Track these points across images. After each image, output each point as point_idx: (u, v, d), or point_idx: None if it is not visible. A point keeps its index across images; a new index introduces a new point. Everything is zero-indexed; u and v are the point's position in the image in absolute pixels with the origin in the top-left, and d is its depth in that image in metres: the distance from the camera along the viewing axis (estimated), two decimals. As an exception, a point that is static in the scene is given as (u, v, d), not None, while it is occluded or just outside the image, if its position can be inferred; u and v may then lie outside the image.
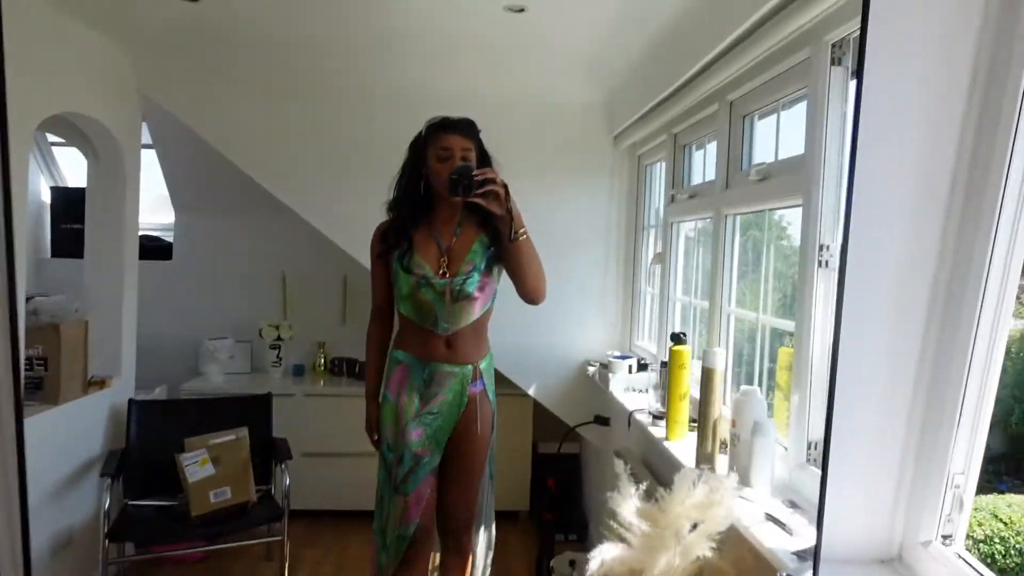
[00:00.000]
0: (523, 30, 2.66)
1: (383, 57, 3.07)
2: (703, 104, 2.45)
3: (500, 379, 3.57)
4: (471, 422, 2.18)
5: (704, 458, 1.84)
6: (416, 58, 3.05)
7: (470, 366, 2.16)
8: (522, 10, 2.47)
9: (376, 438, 2.26)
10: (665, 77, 2.55)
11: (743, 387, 1.77)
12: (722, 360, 1.84)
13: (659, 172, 3.27)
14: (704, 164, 2.64)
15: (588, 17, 2.53)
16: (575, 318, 3.45)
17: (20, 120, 2.42)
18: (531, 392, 3.50)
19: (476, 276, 2.10)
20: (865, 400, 1.32)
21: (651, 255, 3.33)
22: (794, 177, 1.79)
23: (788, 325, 1.91)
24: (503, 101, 3.30)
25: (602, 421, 3.31)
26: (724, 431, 1.85)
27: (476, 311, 2.14)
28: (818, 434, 1.66)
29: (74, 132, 3.11)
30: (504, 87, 3.29)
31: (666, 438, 2.18)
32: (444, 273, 2.10)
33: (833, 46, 1.65)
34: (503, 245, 2.09)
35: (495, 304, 2.23)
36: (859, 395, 1.31)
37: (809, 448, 1.67)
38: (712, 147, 2.56)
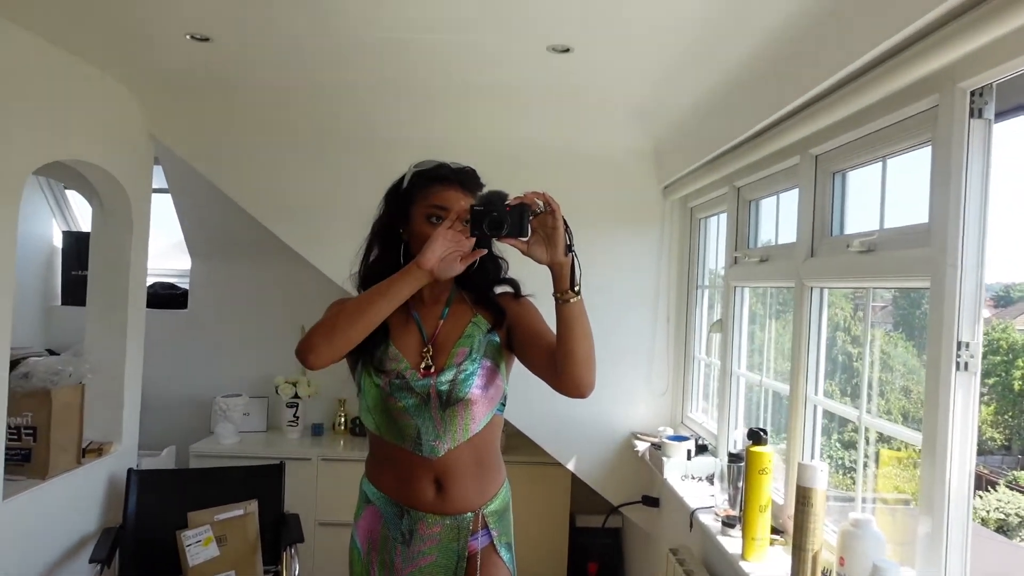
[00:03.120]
0: (567, 72, 2.41)
1: (410, 102, 2.88)
2: (776, 156, 2.14)
3: (535, 448, 3.30)
4: None
5: (804, 601, 1.48)
6: (441, 103, 2.86)
7: (468, 515, 1.52)
8: (567, 51, 2.21)
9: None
10: (730, 125, 2.25)
11: (853, 515, 1.42)
12: (823, 477, 1.49)
13: (715, 227, 2.95)
14: (777, 221, 2.32)
15: (643, 58, 2.26)
16: (620, 385, 3.11)
17: (10, 170, 2.19)
18: (570, 466, 3.16)
19: (473, 368, 1.49)
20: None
21: (705, 318, 3.00)
22: (916, 251, 1.46)
23: (905, 433, 1.56)
24: (540, 147, 3.05)
25: (651, 502, 2.96)
26: (824, 560, 1.50)
27: (476, 421, 1.50)
28: (959, 582, 1.31)
29: (77, 177, 2.90)
30: (542, 132, 3.05)
31: (742, 556, 1.82)
32: (428, 368, 1.50)
33: (972, 95, 1.34)
34: (520, 328, 1.51)
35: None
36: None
37: (948, 600, 1.31)
38: (786, 200, 2.25)
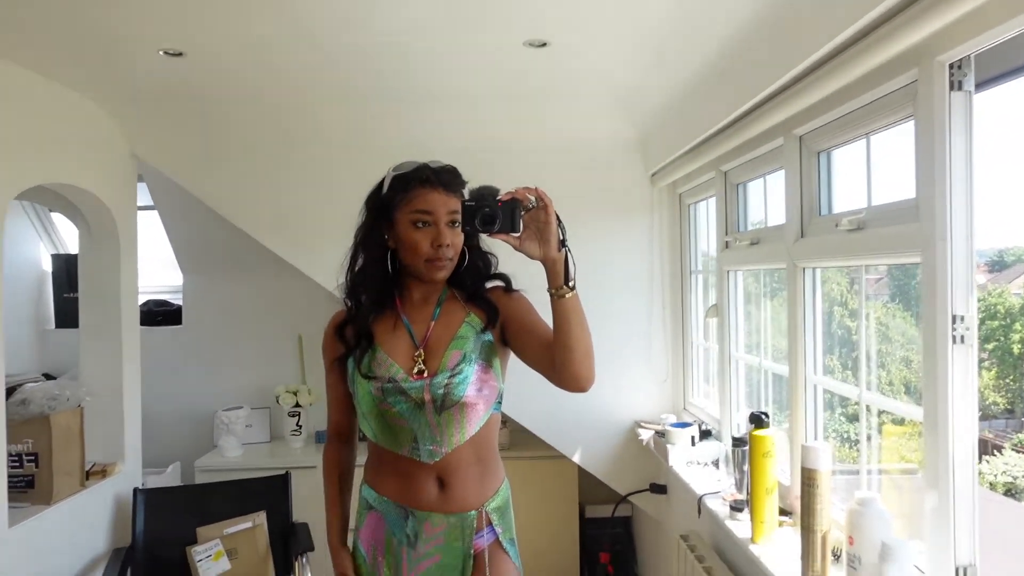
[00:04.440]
0: (546, 66, 2.40)
1: (389, 107, 2.88)
2: (761, 139, 2.14)
3: (540, 443, 3.30)
4: None
5: (813, 581, 1.49)
6: (425, 105, 2.86)
7: (472, 512, 1.51)
8: (544, 45, 2.21)
9: None
10: (714, 110, 2.24)
11: (859, 494, 1.42)
12: (827, 458, 1.49)
13: (705, 212, 2.95)
14: (765, 203, 2.32)
15: (620, 47, 2.26)
16: (621, 375, 3.11)
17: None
18: (576, 459, 3.16)
19: (468, 371, 1.47)
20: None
21: (700, 302, 3.00)
22: (905, 227, 1.45)
23: (905, 408, 1.56)
24: (525, 140, 3.04)
25: (658, 489, 2.96)
26: (834, 539, 1.50)
27: (473, 423, 1.48)
28: (968, 556, 1.31)
29: (60, 200, 2.87)
30: (525, 128, 3.04)
31: (752, 540, 1.82)
32: (420, 372, 1.48)
33: (951, 67, 1.33)
34: (514, 324, 1.51)
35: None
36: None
37: (959, 574, 1.31)
38: (773, 182, 2.24)
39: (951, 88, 1.33)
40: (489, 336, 1.52)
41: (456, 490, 1.50)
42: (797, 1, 1.64)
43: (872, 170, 1.67)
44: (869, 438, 1.68)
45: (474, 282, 1.56)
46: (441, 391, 1.46)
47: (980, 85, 1.38)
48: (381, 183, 1.53)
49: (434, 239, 1.45)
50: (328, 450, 1.67)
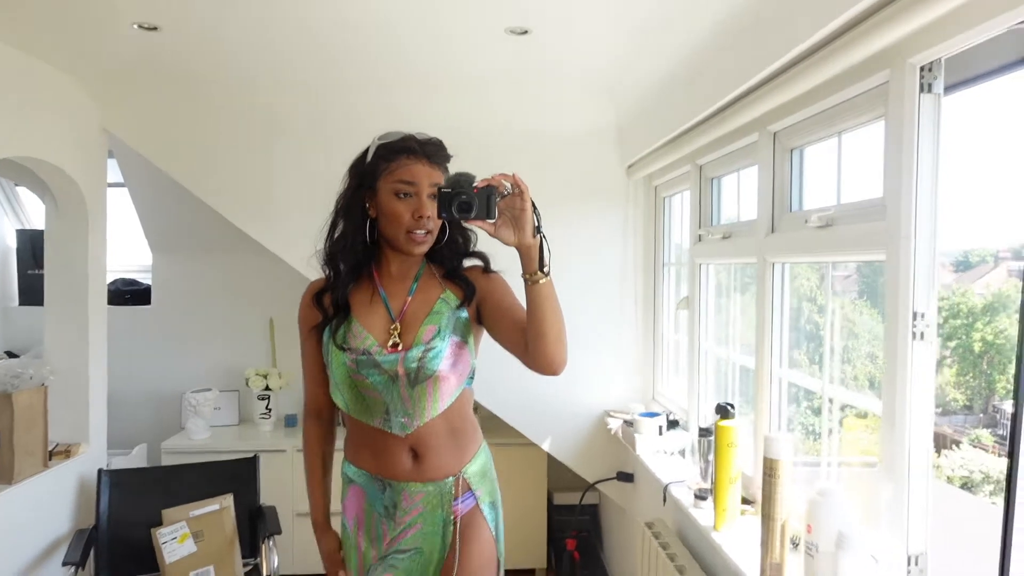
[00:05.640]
0: (527, 54, 2.40)
1: (367, 88, 2.85)
2: (736, 134, 2.16)
3: (511, 430, 3.32)
4: (462, 555, 1.53)
5: (772, 569, 1.52)
6: (405, 88, 2.84)
7: (449, 479, 1.53)
8: (525, 32, 2.21)
9: None
10: (691, 103, 2.26)
11: (819, 485, 1.46)
12: (788, 448, 1.53)
13: (680, 205, 2.97)
14: (739, 198, 2.35)
15: (601, 38, 2.27)
16: (592, 365, 3.14)
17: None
18: (545, 447, 3.18)
19: (441, 345, 1.48)
20: None
21: (671, 295, 3.03)
22: (871, 225, 1.49)
23: (867, 402, 1.60)
24: (504, 129, 3.04)
25: (625, 478, 3.00)
26: (792, 528, 1.54)
27: (445, 397, 1.50)
28: (920, 545, 1.35)
29: (27, 174, 2.81)
30: (504, 115, 3.04)
31: (714, 527, 1.86)
32: (395, 345, 1.48)
33: (921, 70, 1.36)
34: (489, 303, 1.52)
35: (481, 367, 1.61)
36: None
37: (910, 564, 1.36)
38: (746, 177, 2.27)
39: (921, 90, 1.36)
40: (464, 313, 1.53)
41: (430, 460, 1.52)
42: (775, -2, 1.66)
43: (842, 168, 1.70)
44: (831, 432, 1.72)
45: (453, 258, 1.57)
46: (415, 365, 1.47)
47: (950, 88, 1.42)
48: (366, 151, 1.53)
49: (415, 210, 1.46)
50: (308, 427, 1.67)
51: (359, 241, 1.51)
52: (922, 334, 1.35)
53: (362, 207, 1.51)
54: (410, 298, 1.53)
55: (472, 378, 1.57)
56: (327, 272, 1.57)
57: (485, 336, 1.58)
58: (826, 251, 1.70)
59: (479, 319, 1.55)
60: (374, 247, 1.55)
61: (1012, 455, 0.84)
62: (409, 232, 1.47)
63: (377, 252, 1.56)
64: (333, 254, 1.55)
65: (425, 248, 1.50)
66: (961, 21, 1.23)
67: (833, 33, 1.48)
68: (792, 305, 1.98)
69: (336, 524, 1.68)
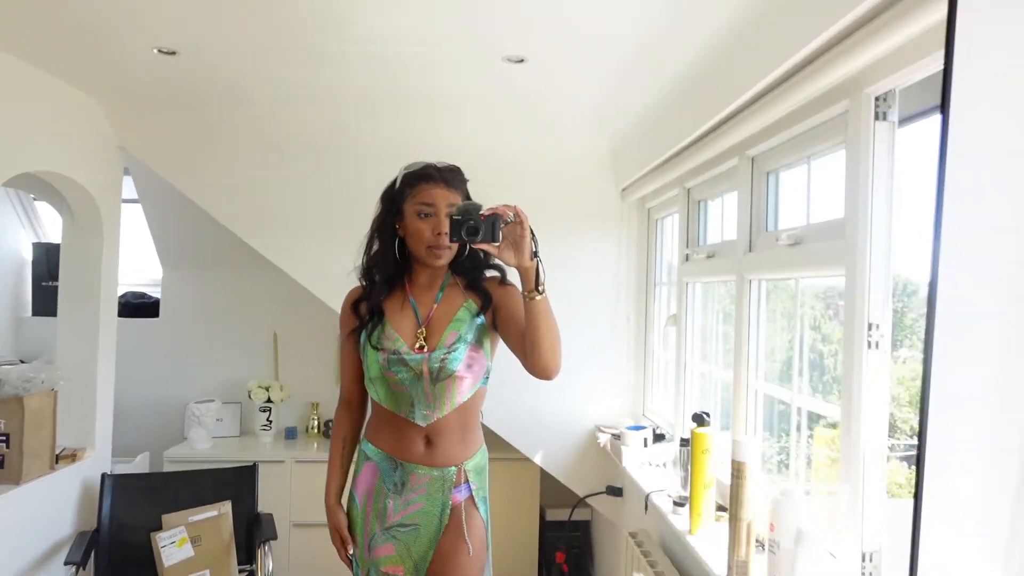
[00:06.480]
0: (524, 81, 2.52)
1: (373, 112, 2.97)
2: (720, 159, 2.28)
3: (505, 445, 3.40)
4: (455, 539, 1.74)
5: (738, 567, 1.60)
6: (408, 112, 2.96)
7: (452, 468, 1.75)
8: (522, 61, 2.33)
9: (351, 551, 1.83)
10: (678, 129, 2.38)
11: (782, 487, 1.55)
12: (755, 452, 1.62)
13: (671, 226, 3.08)
14: (723, 220, 2.45)
15: (595, 66, 2.38)
16: (584, 381, 3.23)
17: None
18: (537, 460, 3.26)
19: (461, 349, 1.71)
20: (958, 512, 1.01)
21: (664, 314, 3.12)
22: (833, 243, 1.59)
23: (829, 408, 1.69)
24: (502, 153, 3.16)
25: (615, 492, 3.07)
26: (759, 529, 1.62)
27: (463, 394, 1.74)
28: (874, 543, 1.43)
29: (47, 188, 2.94)
30: (504, 139, 3.16)
31: (690, 531, 1.94)
32: (421, 347, 1.72)
33: (876, 99, 1.47)
34: (503, 311, 1.73)
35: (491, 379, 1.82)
36: (950, 505, 1.00)
37: (864, 560, 1.44)
38: (730, 200, 2.38)
39: (876, 118, 1.47)
40: (482, 319, 1.76)
41: (440, 448, 1.75)
42: (754, 27, 1.78)
43: (812, 191, 1.81)
44: (798, 441, 1.81)
45: (474, 267, 1.79)
46: (437, 365, 1.70)
47: (914, 117, 1.52)
48: (395, 180, 1.79)
49: (435, 228, 1.69)
50: (339, 415, 1.92)
51: (390, 258, 1.77)
52: (877, 343, 1.44)
53: (392, 228, 1.77)
54: (436, 306, 1.77)
55: (487, 378, 1.80)
56: (363, 283, 1.82)
57: (500, 346, 1.80)
58: (795, 267, 1.80)
59: (494, 325, 1.77)
60: (405, 262, 1.80)
61: (920, 460, 0.94)
62: (430, 247, 1.70)
63: (408, 265, 1.80)
64: (369, 268, 1.81)
65: (445, 260, 1.74)
66: (910, 55, 1.34)
67: (800, 63, 1.59)
68: (767, 319, 2.07)
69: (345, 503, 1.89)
